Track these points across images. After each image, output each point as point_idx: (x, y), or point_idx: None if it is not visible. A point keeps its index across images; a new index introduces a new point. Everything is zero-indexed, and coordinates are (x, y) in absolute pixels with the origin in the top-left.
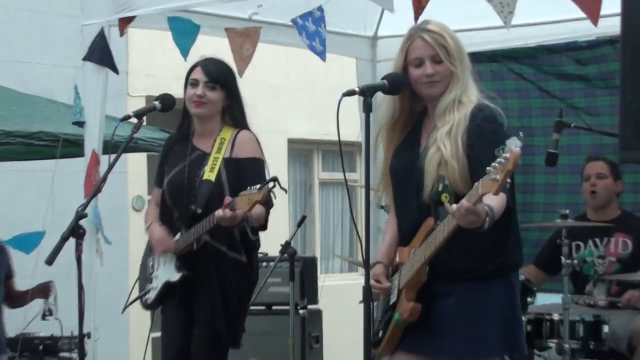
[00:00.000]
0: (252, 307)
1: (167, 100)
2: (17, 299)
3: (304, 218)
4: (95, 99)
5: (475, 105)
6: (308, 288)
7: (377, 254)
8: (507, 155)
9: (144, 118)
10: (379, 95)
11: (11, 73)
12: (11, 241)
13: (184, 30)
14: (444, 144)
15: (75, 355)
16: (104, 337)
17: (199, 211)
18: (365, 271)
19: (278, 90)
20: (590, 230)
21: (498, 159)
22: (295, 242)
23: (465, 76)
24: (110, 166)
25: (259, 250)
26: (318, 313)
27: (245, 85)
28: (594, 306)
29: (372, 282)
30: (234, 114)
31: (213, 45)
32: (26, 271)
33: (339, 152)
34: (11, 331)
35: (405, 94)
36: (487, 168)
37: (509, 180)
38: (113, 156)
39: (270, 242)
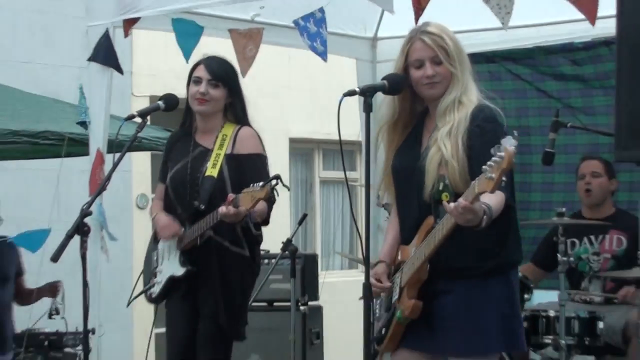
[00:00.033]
0: (253, 304)
1: (170, 100)
2: (26, 297)
3: (305, 216)
4: (100, 99)
5: (475, 105)
6: (309, 285)
7: (380, 253)
8: (502, 154)
9: (148, 117)
10: (379, 95)
11: (17, 73)
12: (17, 238)
13: (187, 32)
14: (444, 144)
15: (79, 350)
16: (108, 333)
17: (202, 207)
18: (365, 268)
19: (280, 90)
20: (585, 228)
21: (493, 158)
22: (297, 239)
23: (464, 77)
24: (115, 165)
25: (261, 246)
26: (319, 309)
27: (248, 86)
28: (590, 302)
29: (373, 281)
30: (235, 111)
31: (216, 47)
32: (32, 268)
33: (339, 151)
34: (17, 327)
35: (407, 95)
36: (483, 167)
37: (504, 178)
38: (117, 155)
39: (272, 240)
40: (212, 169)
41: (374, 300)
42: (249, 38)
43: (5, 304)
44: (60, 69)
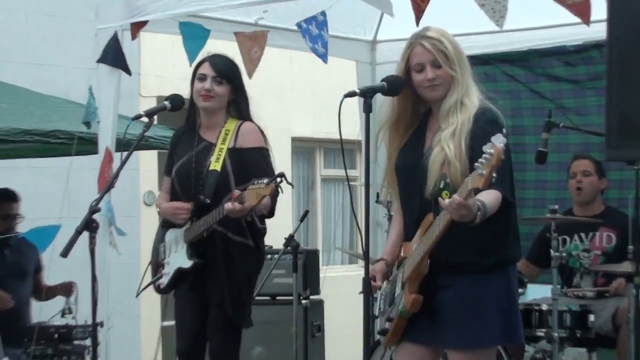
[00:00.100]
0: (257, 298)
1: (176, 101)
2: (46, 292)
3: (306, 212)
4: (108, 99)
5: (478, 108)
6: (310, 279)
7: (382, 251)
8: (492, 151)
9: (155, 117)
10: (379, 96)
11: (29, 74)
12: (28, 234)
13: (194, 35)
14: (448, 145)
15: (88, 343)
16: (117, 325)
17: (208, 201)
18: (365, 263)
19: (282, 91)
20: (575, 226)
21: (484, 155)
22: (299, 235)
23: (465, 79)
24: (123, 163)
25: (264, 241)
26: (320, 303)
27: (252, 86)
28: (582, 297)
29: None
30: (239, 107)
31: (221, 49)
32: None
33: (340, 149)
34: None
35: (409, 97)
36: (475, 164)
37: (494, 174)
38: (125, 153)
39: (275, 236)
40: (215, 163)
41: (376, 295)
42: (254, 40)
43: (24, 299)
44: (70, 71)
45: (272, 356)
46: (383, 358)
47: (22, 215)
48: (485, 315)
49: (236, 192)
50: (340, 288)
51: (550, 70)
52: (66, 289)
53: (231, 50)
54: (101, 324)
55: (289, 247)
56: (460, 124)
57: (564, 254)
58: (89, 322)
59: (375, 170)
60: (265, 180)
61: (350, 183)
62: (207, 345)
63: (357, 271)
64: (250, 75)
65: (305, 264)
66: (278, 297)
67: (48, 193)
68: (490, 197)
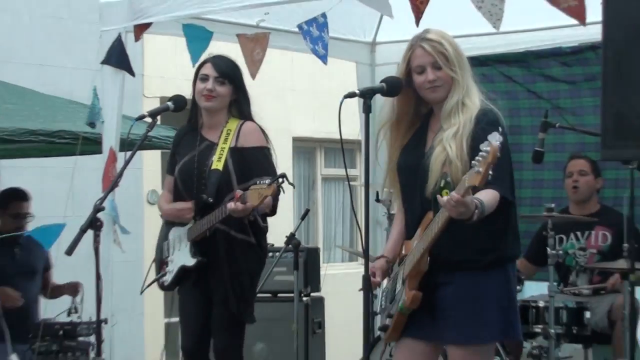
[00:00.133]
0: (258, 295)
1: (179, 101)
2: (52, 291)
3: (307, 211)
4: (112, 100)
5: (479, 109)
6: (311, 277)
7: (384, 249)
8: (488, 149)
9: (158, 118)
10: (378, 97)
11: (34, 75)
12: (33, 232)
13: (197, 37)
14: (450, 145)
15: (93, 339)
16: (120, 322)
17: (210, 200)
18: (365, 261)
19: (283, 92)
20: (572, 225)
21: (480, 153)
22: (300, 233)
23: (465, 80)
24: (127, 162)
25: (266, 239)
26: (321, 300)
27: (253, 87)
28: (578, 294)
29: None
30: (240, 107)
31: (224, 51)
32: None
33: (340, 149)
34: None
35: (411, 98)
36: (472, 162)
37: (490, 172)
38: (129, 153)
39: (276, 234)
40: (217, 162)
41: (375, 292)
42: (256, 42)
43: (33, 296)
44: (75, 72)
45: (274, 352)
46: (383, 354)
47: (33, 215)
48: (484, 312)
49: (238, 192)
50: (341, 285)
51: (547, 71)
52: (72, 288)
53: (233, 51)
54: (105, 321)
55: (290, 245)
56: (462, 124)
57: (560, 252)
58: (94, 319)
59: (375, 169)
60: (267, 181)
61: (351, 183)
62: (211, 341)
63: (357, 269)
64: (253, 76)
65: (306, 261)
66: (279, 294)
67: (53, 192)
68: (488, 196)
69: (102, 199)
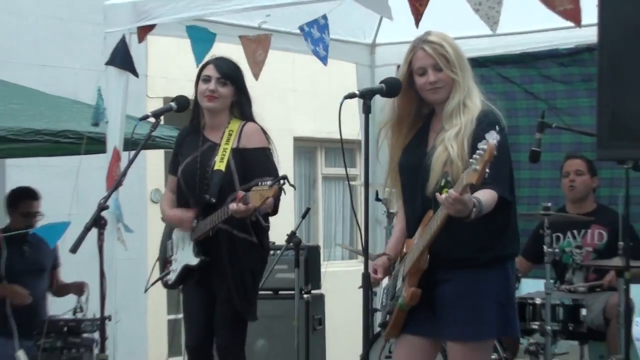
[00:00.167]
0: (260, 292)
1: (182, 102)
2: (59, 289)
3: (308, 210)
4: (116, 100)
5: (480, 110)
6: (312, 274)
7: (386, 247)
8: (485, 147)
9: (162, 118)
10: (378, 97)
11: (40, 76)
12: (38, 230)
13: (201, 38)
14: (451, 145)
15: (96, 336)
16: (124, 319)
17: (213, 200)
18: (365, 259)
19: (285, 92)
20: (569, 223)
21: (478, 151)
22: (300, 232)
23: (466, 81)
24: (130, 162)
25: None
26: (321, 297)
27: (255, 88)
28: (575, 292)
29: (370, 270)
30: (242, 108)
31: (226, 52)
32: None
33: (340, 149)
34: None
35: (413, 99)
36: (470, 160)
37: (487, 170)
38: (133, 152)
39: (277, 232)
40: (220, 163)
41: (375, 289)
42: (258, 43)
43: (41, 294)
44: (80, 73)
45: (275, 349)
46: (383, 351)
47: (43, 213)
48: (483, 309)
49: (240, 193)
50: (341, 283)
51: (544, 71)
52: (78, 288)
53: (236, 53)
54: (109, 318)
55: (291, 243)
56: (463, 125)
57: (557, 250)
58: (97, 315)
59: (374, 169)
60: (269, 182)
61: (350, 182)
62: (214, 338)
63: (356, 266)
64: (256, 77)
65: (306, 259)
66: (280, 292)
67: (58, 191)
68: (486, 196)
69: (106, 198)
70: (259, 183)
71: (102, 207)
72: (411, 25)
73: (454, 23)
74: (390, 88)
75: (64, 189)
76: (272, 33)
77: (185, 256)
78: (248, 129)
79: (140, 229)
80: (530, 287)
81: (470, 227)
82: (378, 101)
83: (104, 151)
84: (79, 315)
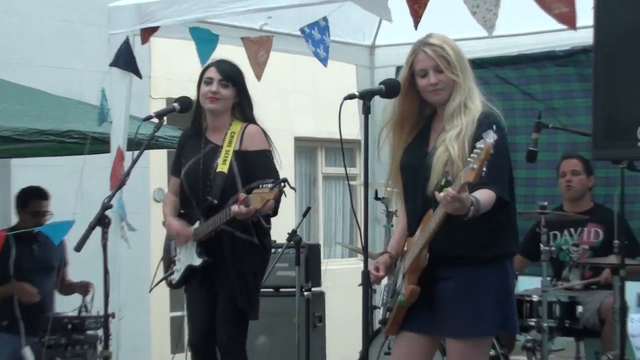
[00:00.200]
0: (261, 290)
1: (185, 103)
2: (66, 287)
3: (308, 209)
4: (120, 101)
5: (481, 112)
6: (312, 272)
7: (388, 245)
8: (482, 146)
9: (165, 118)
10: (377, 98)
11: (45, 77)
12: (43, 228)
13: (204, 39)
14: (452, 145)
15: (100, 333)
16: (127, 316)
17: (215, 202)
18: (364, 257)
19: (286, 93)
20: (565, 221)
21: (475, 150)
22: (301, 230)
23: (466, 82)
24: (134, 162)
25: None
26: (321, 295)
27: (257, 89)
28: (571, 289)
29: (372, 268)
30: (243, 109)
31: (228, 54)
32: None
33: (340, 149)
34: None
35: (415, 100)
36: (468, 159)
37: (484, 169)
38: (136, 152)
39: (278, 231)
40: (222, 165)
41: (376, 287)
42: (260, 45)
43: (49, 292)
44: (84, 74)
45: (276, 345)
46: (383, 347)
47: (52, 212)
48: (482, 306)
49: (242, 195)
50: (341, 280)
51: (541, 71)
52: (83, 288)
53: (238, 54)
54: (113, 315)
55: (292, 242)
56: (464, 126)
57: (554, 248)
58: (101, 313)
59: (374, 168)
60: (270, 185)
61: (350, 181)
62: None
63: (356, 264)
64: (258, 77)
65: (307, 257)
66: (281, 289)
67: (62, 190)
68: (484, 195)
69: (110, 197)
70: (260, 185)
71: (106, 206)
72: (410, 28)
73: (453, 25)
74: (389, 89)
75: (68, 189)
76: (273, 35)
77: (189, 256)
78: (250, 131)
79: (143, 227)
80: (527, 284)
81: (469, 225)
82: (377, 102)
83: (107, 151)
84: (84, 314)
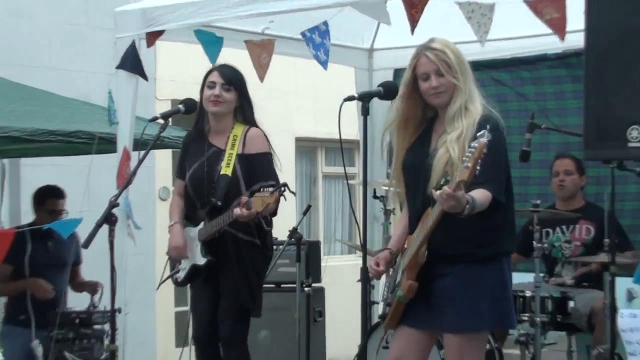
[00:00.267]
0: (263, 285)
1: (190, 104)
2: (77, 285)
3: (309, 207)
4: (126, 103)
5: (481, 115)
6: (312, 268)
7: (389, 242)
8: (476, 145)
9: (170, 119)
10: (376, 100)
11: (53, 79)
12: (53, 225)
13: (210, 41)
14: (453, 147)
15: (107, 327)
16: (133, 311)
17: (219, 204)
18: (363, 253)
19: (287, 95)
20: (558, 219)
21: (469, 149)
22: (302, 228)
23: (467, 86)
24: (140, 161)
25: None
26: (321, 290)
27: (259, 91)
28: (563, 285)
29: (372, 264)
30: (244, 113)
31: (231, 56)
32: None
33: (340, 149)
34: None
35: (418, 102)
36: (463, 158)
37: (478, 167)
38: (142, 152)
39: (280, 228)
40: (226, 168)
41: (374, 282)
42: (262, 47)
43: (62, 288)
44: (91, 76)
45: (277, 339)
46: (382, 341)
47: (67, 211)
48: (479, 302)
49: (244, 198)
50: (340, 276)
51: (534, 73)
52: (92, 287)
53: (240, 58)
54: (119, 310)
55: (292, 239)
56: (465, 128)
57: (546, 245)
58: (108, 308)
59: (372, 167)
60: (271, 189)
61: (349, 181)
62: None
63: (355, 261)
64: (261, 79)
65: (307, 254)
66: (282, 285)
67: (70, 189)
68: (479, 195)
69: (117, 196)
70: (262, 189)
71: (113, 204)
72: (407, 32)
73: (449, 29)
74: (387, 91)
75: (76, 187)
76: (275, 38)
77: (194, 256)
78: (252, 135)
79: (148, 225)
80: (520, 278)
81: (467, 224)
82: (376, 103)
83: (114, 151)
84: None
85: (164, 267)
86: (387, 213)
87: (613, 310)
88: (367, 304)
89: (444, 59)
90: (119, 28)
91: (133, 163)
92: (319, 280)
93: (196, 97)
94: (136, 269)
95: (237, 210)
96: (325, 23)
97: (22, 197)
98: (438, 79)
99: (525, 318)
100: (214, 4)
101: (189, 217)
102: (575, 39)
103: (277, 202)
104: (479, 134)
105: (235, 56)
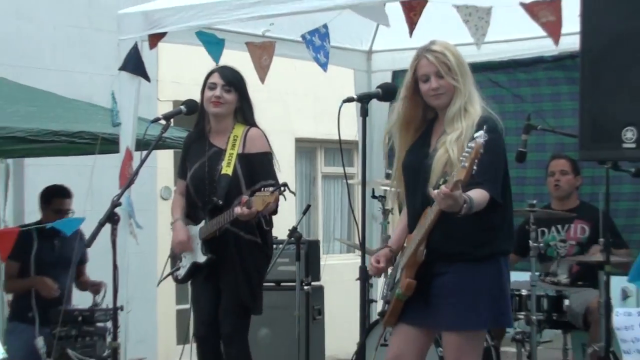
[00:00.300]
0: (263, 284)
1: (191, 105)
2: (82, 284)
3: (308, 207)
4: (129, 103)
5: (480, 116)
6: (312, 267)
7: (390, 241)
8: (472, 145)
9: (172, 120)
10: (374, 101)
11: (57, 80)
12: (56, 223)
13: (212, 42)
14: (452, 148)
15: (109, 325)
16: (135, 309)
17: (220, 203)
18: (362, 252)
19: (287, 96)
20: (553, 218)
21: (466, 149)
22: (301, 227)
23: (467, 87)
24: (142, 161)
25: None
26: (320, 289)
27: (259, 92)
28: (558, 284)
29: (373, 261)
30: (244, 113)
31: (232, 58)
32: None
33: (339, 149)
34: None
35: (419, 104)
36: (460, 158)
37: (475, 167)
38: (144, 152)
39: (280, 228)
40: (227, 168)
41: (373, 281)
42: (263, 49)
43: (67, 286)
44: (94, 77)
45: (277, 337)
46: (380, 338)
47: (73, 211)
48: (477, 300)
49: (245, 198)
50: (339, 275)
51: (531, 75)
52: (95, 287)
53: (241, 59)
54: (121, 308)
55: (292, 238)
56: (464, 129)
57: (542, 244)
58: (110, 305)
59: (371, 168)
60: (271, 189)
61: (348, 181)
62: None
63: (354, 260)
64: (262, 80)
65: (307, 253)
66: (282, 284)
67: (73, 188)
68: (477, 195)
69: (119, 195)
70: (262, 189)
71: (115, 203)
72: (405, 34)
73: (447, 32)
74: (386, 92)
75: (79, 187)
76: (275, 40)
77: (194, 254)
78: (252, 135)
79: (150, 224)
80: (516, 277)
81: (465, 224)
82: (375, 105)
83: (117, 151)
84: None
85: (164, 265)
86: (386, 212)
87: (608, 308)
88: (365, 302)
89: (444, 61)
90: (122, 30)
91: (135, 163)
92: (318, 278)
93: (197, 98)
94: (138, 268)
95: (237, 209)
96: (325, 26)
97: (26, 197)
98: (438, 80)
99: (522, 316)
100: (215, 6)
101: (190, 216)
102: (571, 42)
103: (277, 201)
104: (476, 134)
105: (236, 58)
